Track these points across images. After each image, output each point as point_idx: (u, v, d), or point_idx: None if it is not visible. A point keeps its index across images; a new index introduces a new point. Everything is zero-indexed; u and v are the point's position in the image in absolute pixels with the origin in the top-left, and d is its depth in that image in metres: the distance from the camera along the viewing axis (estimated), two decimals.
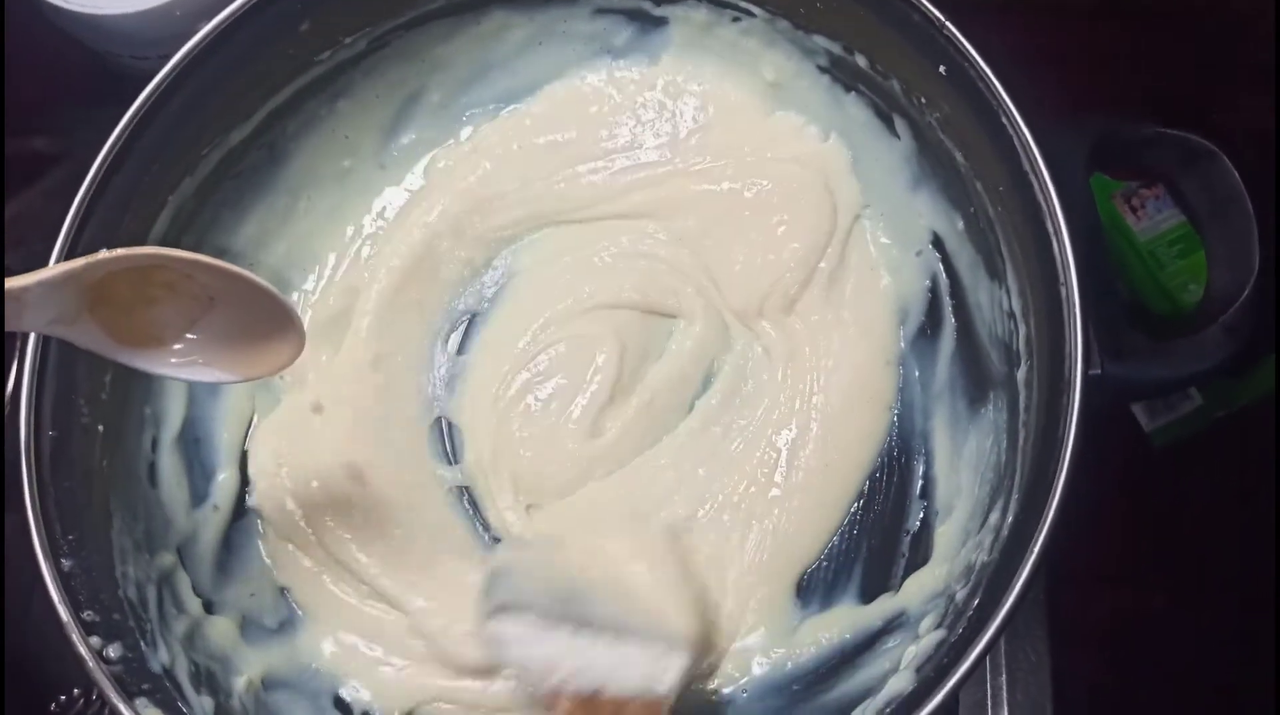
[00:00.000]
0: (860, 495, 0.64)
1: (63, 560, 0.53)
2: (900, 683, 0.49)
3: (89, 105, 0.69)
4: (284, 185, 0.70)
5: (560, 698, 0.53)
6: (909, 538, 0.62)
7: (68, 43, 0.72)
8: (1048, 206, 0.52)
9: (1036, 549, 0.46)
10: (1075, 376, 0.48)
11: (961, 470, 0.61)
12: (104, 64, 0.74)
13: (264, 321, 0.49)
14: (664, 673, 0.53)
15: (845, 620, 0.61)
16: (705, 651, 0.58)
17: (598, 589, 0.56)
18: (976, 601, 0.47)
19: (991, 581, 0.47)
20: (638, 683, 0.52)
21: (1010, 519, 0.49)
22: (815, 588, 0.63)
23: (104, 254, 0.45)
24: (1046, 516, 0.46)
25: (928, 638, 0.50)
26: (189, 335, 0.50)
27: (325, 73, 0.68)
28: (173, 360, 0.49)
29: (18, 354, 0.57)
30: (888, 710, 0.48)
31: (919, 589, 0.58)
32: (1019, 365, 0.55)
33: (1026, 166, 0.53)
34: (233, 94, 0.64)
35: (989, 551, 0.50)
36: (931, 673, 0.46)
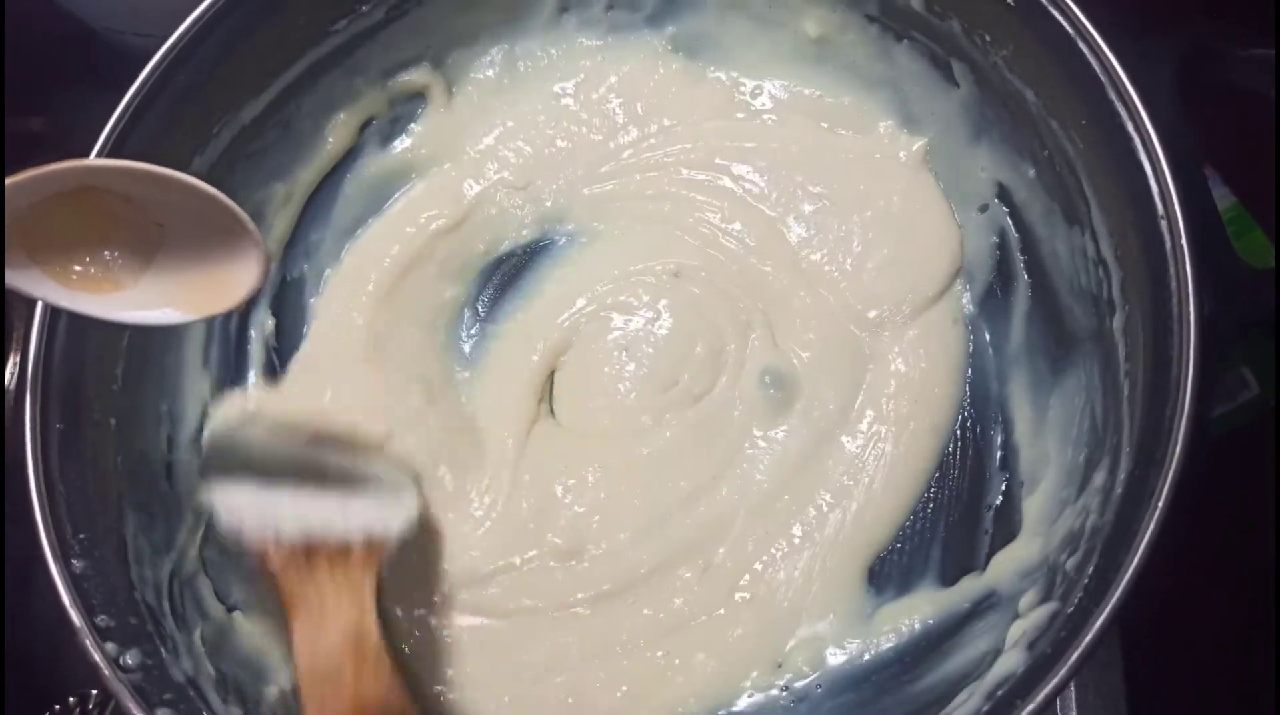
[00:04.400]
0: (933, 472, 0.59)
1: (74, 561, 0.49)
2: (1010, 662, 0.44)
3: (89, 85, 0.65)
4: (303, 165, 0.66)
5: (279, 551, 0.49)
6: (991, 513, 0.57)
7: (66, 20, 0.69)
8: (1140, 136, 0.47)
9: (1161, 504, 0.41)
10: (1189, 313, 0.44)
11: (1047, 436, 0.56)
12: (104, 42, 0.71)
13: (221, 245, 0.44)
14: (393, 516, 0.52)
15: (927, 605, 0.56)
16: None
17: (332, 445, 0.54)
18: (1092, 568, 0.43)
19: (1109, 543, 0.42)
20: (367, 523, 0.51)
21: (1123, 476, 0.44)
22: (890, 572, 0.58)
23: (15, 177, 0.40)
24: (1168, 469, 0.42)
25: (1037, 611, 0.45)
26: (146, 275, 0.44)
27: (341, 44, 0.64)
28: (131, 304, 0.44)
29: (20, 342, 0.53)
30: (999, 692, 0.42)
31: (1010, 566, 0.53)
32: (1113, 314, 0.50)
33: (1113, 95, 0.48)
34: (243, 68, 0.61)
35: (1099, 514, 0.45)
36: (1048, 648, 0.41)
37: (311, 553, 0.49)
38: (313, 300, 0.67)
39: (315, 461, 0.52)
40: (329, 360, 0.64)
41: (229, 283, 0.45)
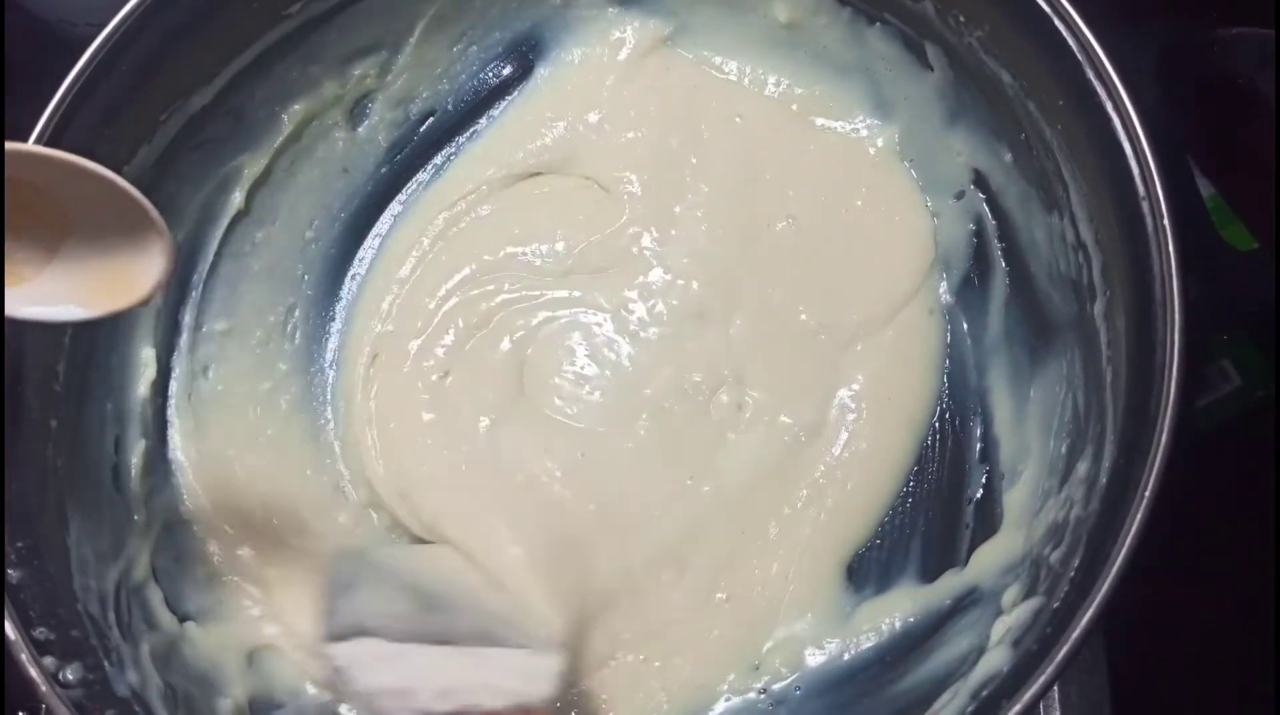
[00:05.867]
0: (911, 465, 0.58)
1: (10, 571, 0.46)
2: (995, 660, 0.42)
3: (38, 79, 0.63)
4: (256, 156, 0.64)
5: None
6: (971, 507, 0.56)
7: (17, 13, 0.67)
8: (1120, 116, 0.46)
9: (1148, 493, 0.39)
10: (1173, 297, 0.42)
11: (1028, 427, 0.54)
12: (56, 34, 0.68)
13: (126, 237, 0.41)
14: (539, 680, 0.48)
15: (907, 602, 0.54)
16: (578, 646, 0.53)
17: (457, 596, 0.51)
18: (1078, 560, 0.41)
19: (1095, 535, 0.41)
20: (512, 693, 0.47)
21: (1107, 465, 0.43)
22: (869, 569, 0.57)
23: None
24: (1154, 457, 0.40)
25: (1021, 607, 0.44)
26: (49, 268, 0.42)
27: (295, 29, 0.62)
28: (32, 298, 0.42)
29: None
30: (984, 692, 0.41)
31: (991, 561, 0.52)
32: (1094, 300, 0.49)
33: (1091, 74, 0.47)
34: (191, 53, 0.58)
35: (1083, 505, 0.44)
36: (1034, 645, 0.40)
37: None
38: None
39: (445, 621, 0.49)
40: None
41: (134, 277, 0.42)
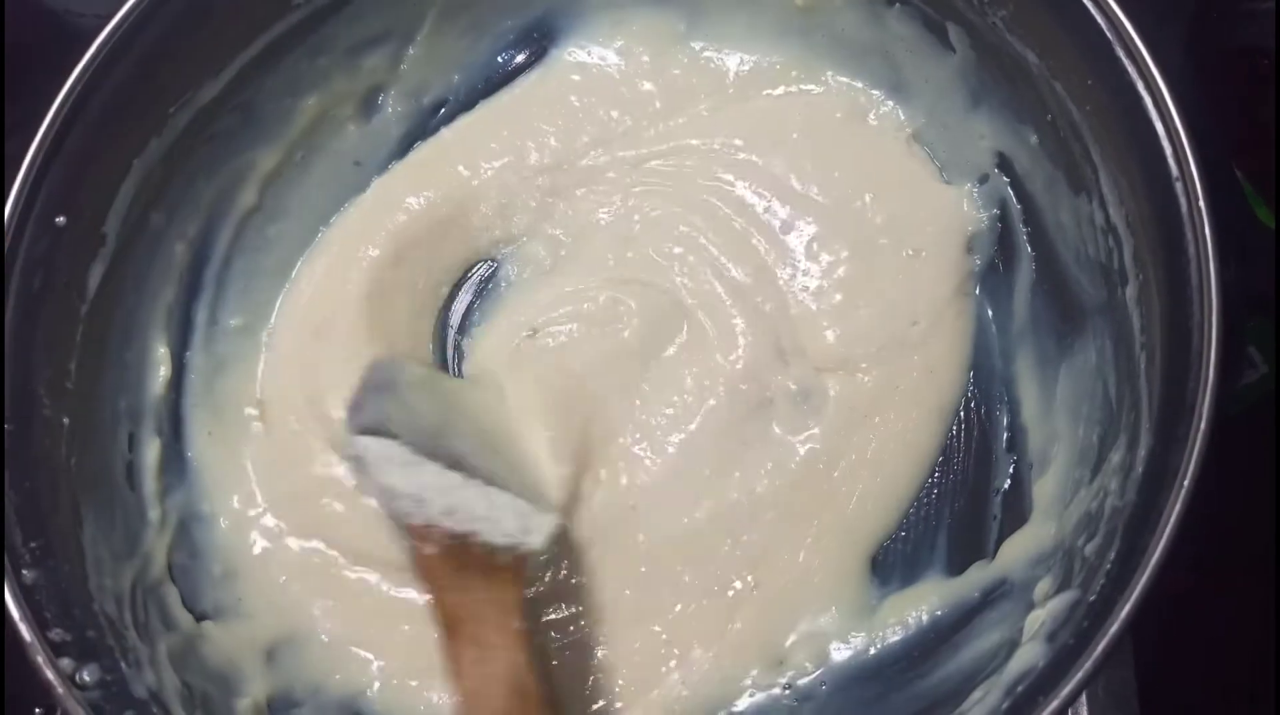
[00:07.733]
0: (938, 455, 0.57)
1: (24, 571, 0.46)
2: (1029, 655, 0.41)
3: (47, 71, 0.62)
4: (266, 151, 0.63)
5: (430, 536, 0.48)
6: (999, 497, 0.55)
7: (25, 4, 0.66)
8: (1152, 94, 0.44)
9: (1186, 482, 0.38)
10: (1209, 280, 0.41)
11: (1056, 415, 0.53)
12: (64, 26, 0.68)
13: None
14: (534, 531, 0.50)
15: (934, 595, 0.53)
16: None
17: (479, 431, 0.54)
18: (1114, 552, 0.40)
19: (1131, 525, 0.40)
20: (509, 533, 0.49)
21: (1143, 453, 0.42)
22: (894, 562, 0.56)
23: None
24: (1192, 445, 0.39)
25: (1056, 601, 0.43)
26: None
27: (302, 21, 0.61)
28: None
29: None
30: (1020, 688, 0.40)
31: (1021, 552, 0.51)
32: (1125, 285, 0.48)
33: (1121, 52, 0.46)
34: (198, 45, 0.57)
35: (1119, 495, 0.43)
36: (1070, 639, 0.39)
37: (463, 560, 0.48)
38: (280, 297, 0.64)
39: (459, 455, 0.50)
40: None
41: None
